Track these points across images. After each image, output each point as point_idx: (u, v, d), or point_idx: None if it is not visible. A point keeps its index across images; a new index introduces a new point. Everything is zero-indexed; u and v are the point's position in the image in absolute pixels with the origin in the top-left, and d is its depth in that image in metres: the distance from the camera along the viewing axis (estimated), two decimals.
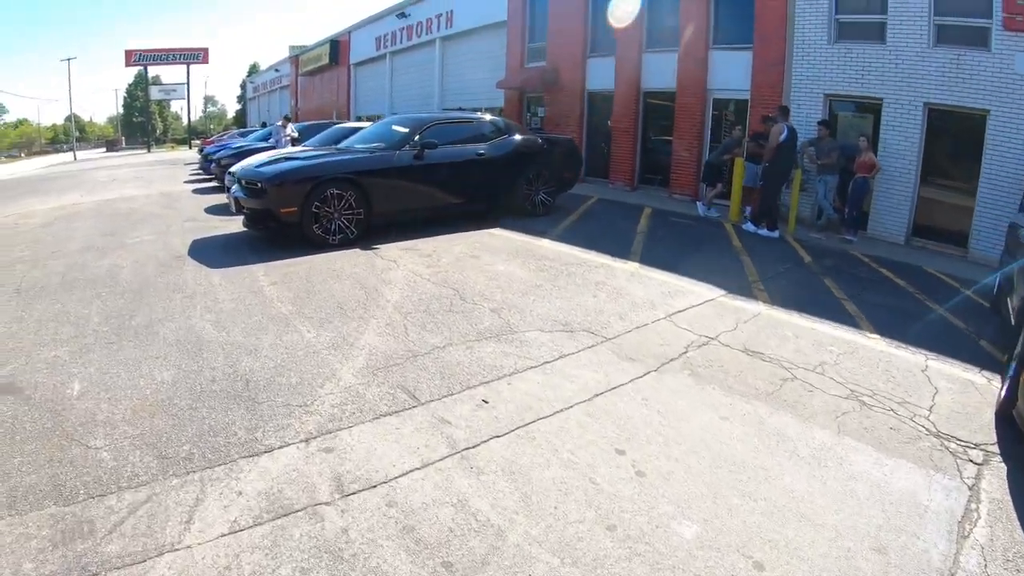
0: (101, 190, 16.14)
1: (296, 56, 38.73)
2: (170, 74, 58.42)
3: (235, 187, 8.26)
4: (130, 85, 73.29)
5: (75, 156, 46.24)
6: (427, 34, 22.89)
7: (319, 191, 7.50)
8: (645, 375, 4.40)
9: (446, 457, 3.33)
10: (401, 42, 24.91)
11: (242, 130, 28.94)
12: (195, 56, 52.05)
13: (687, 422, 3.72)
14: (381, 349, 4.70)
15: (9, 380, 4.11)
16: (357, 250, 7.66)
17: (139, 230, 9.39)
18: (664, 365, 4.56)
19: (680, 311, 5.80)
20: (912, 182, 10.08)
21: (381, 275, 6.65)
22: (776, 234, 9.96)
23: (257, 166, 8.06)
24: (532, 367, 4.52)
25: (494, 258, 7.46)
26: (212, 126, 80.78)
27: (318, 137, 12.84)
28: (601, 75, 15.51)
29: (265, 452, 3.31)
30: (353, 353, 4.61)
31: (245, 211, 7.86)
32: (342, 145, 9.55)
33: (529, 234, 8.85)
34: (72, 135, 53.78)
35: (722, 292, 6.45)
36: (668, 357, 4.70)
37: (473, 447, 3.42)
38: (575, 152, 11.26)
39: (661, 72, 13.92)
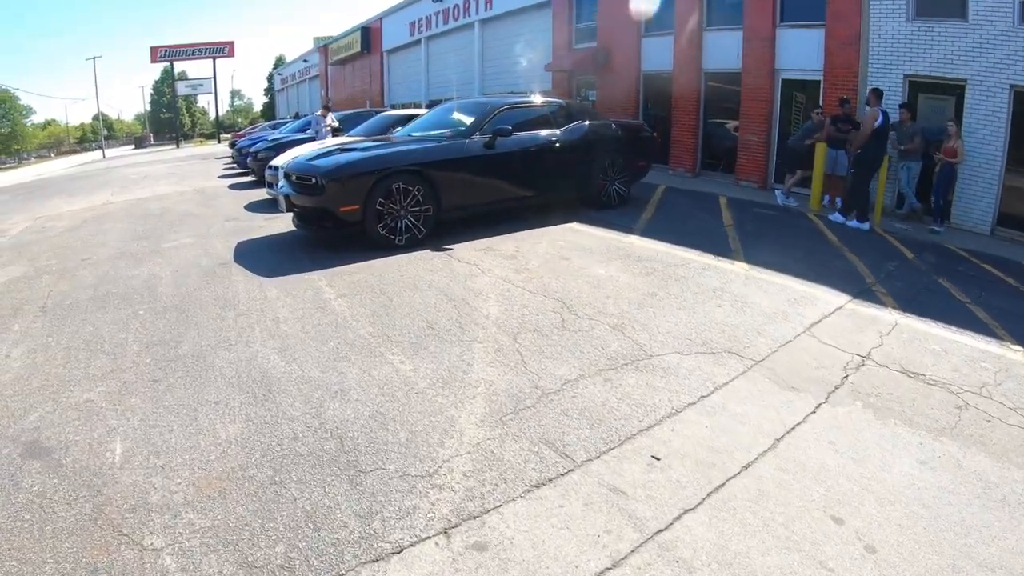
0: (132, 188, 15.38)
1: (325, 45, 37.87)
2: (196, 69, 57.98)
3: (283, 183, 7.32)
4: (156, 82, 73.29)
5: (103, 154, 46.22)
6: (465, 17, 21.80)
7: (383, 186, 6.50)
8: (817, 409, 3.60)
9: (639, 547, 2.42)
10: (437, 26, 23.83)
11: (274, 122, 28.12)
12: (221, 50, 51.49)
13: (888, 471, 3.03)
14: (501, 386, 3.67)
15: (35, 436, 3.18)
16: (428, 252, 6.65)
17: (176, 232, 8.50)
18: (831, 395, 3.79)
19: (816, 322, 4.95)
20: (998, 169, 9.10)
21: (466, 283, 5.63)
22: (867, 226, 9.01)
23: (310, 159, 7.07)
24: (690, 404, 3.56)
25: (587, 259, 6.42)
26: (240, 120, 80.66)
27: (364, 127, 11.86)
28: (658, 55, 14.50)
29: (394, 554, 2.34)
30: (467, 393, 3.59)
31: (296, 209, 6.86)
32: (400, 134, 8.53)
33: (612, 229, 7.81)
34: (100, 133, 53.58)
35: (847, 297, 5.59)
36: (831, 384, 3.92)
37: (666, 528, 2.54)
38: (650, 138, 10.18)
39: (724, 52, 12.96)
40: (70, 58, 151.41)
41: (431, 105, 17.10)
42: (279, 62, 70.81)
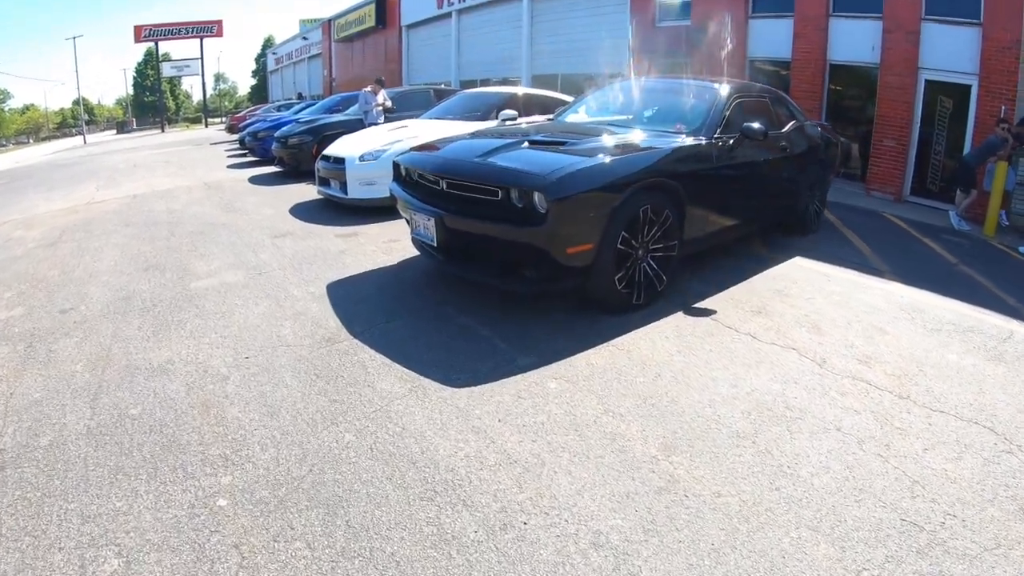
0: (122, 180, 12.38)
1: (329, 21, 34.51)
2: (181, 50, 54.46)
3: (397, 185, 4.54)
4: (139, 64, 69.13)
5: (85, 139, 42.90)
6: None
7: (629, 209, 3.74)
8: None
9: None
10: None
11: (278, 103, 24.95)
12: (209, 29, 47.95)
13: None
14: None
15: None
16: (682, 317, 3.90)
17: (204, 257, 5.66)
18: None
19: None
20: None
21: (825, 395, 2.87)
22: None
23: (482, 154, 4.09)
24: None
25: (901, 328, 3.89)
26: (226, 103, 77.13)
27: (444, 107, 9.00)
28: (769, 39, 12.73)
29: None
30: None
31: (438, 236, 3.97)
32: (561, 120, 5.70)
33: (848, 267, 5.43)
34: (81, 118, 49.90)
35: None
36: None
37: None
38: (840, 145, 7.72)
39: (854, 42, 11.40)
40: (49, 40, 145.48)
41: (466, 87, 14.29)
42: (268, 43, 67.08)
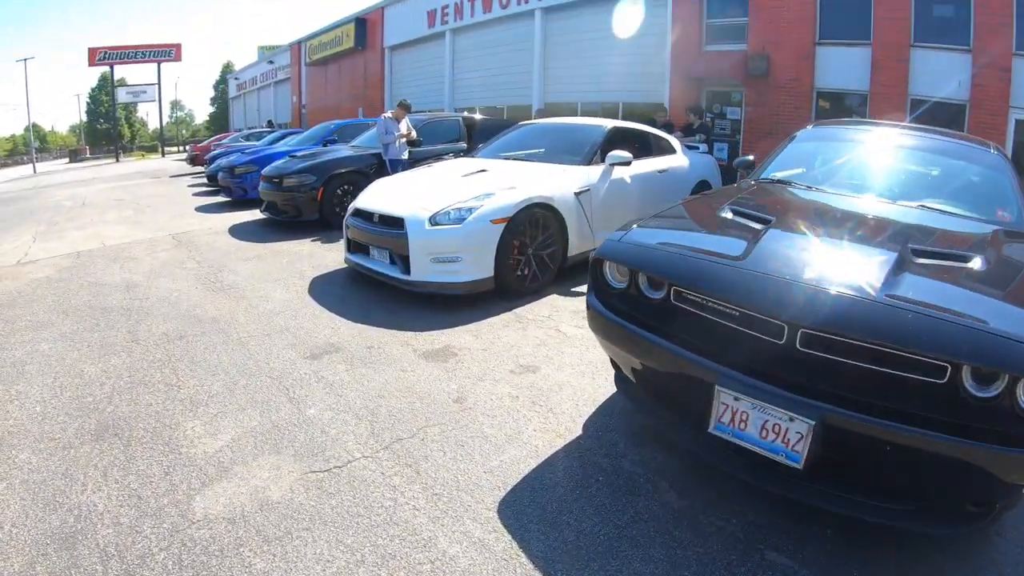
0: (67, 226, 9.80)
1: (299, 43, 32.06)
2: (137, 75, 51.32)
3: (778, 397, 2.40)
4: (93, 89, 65.20)
5: (35, 169, 39.54)
6: (518, 4, 16.75)
7: None
8: None
9: None
10: (472, 15, 18.62)
11: (248, 131, 22.35)
12: (167, 53, 44.97)
13: None
14: None
15: None
16: None
17: (196, 408, 3.29)
18: None
19: None
20: None
21: None
22: None
23: (885, 286, 1.94)
24: None
25: None
26: (183, 132, 74.01)
27: (510, 142, 6.73)
28: (841, 70, 11.40)
29: None
30: None
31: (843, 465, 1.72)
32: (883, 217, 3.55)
33: None
34: (31, 145, 46.28)
35: None
36: None
37: None
38: None
39: (938, 76, 10.32)
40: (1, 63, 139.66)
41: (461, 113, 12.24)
42: (227, 69, 64.22)
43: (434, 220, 4.71)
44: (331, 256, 6.66)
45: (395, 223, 4.83)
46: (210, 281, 5.82)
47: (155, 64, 44.87)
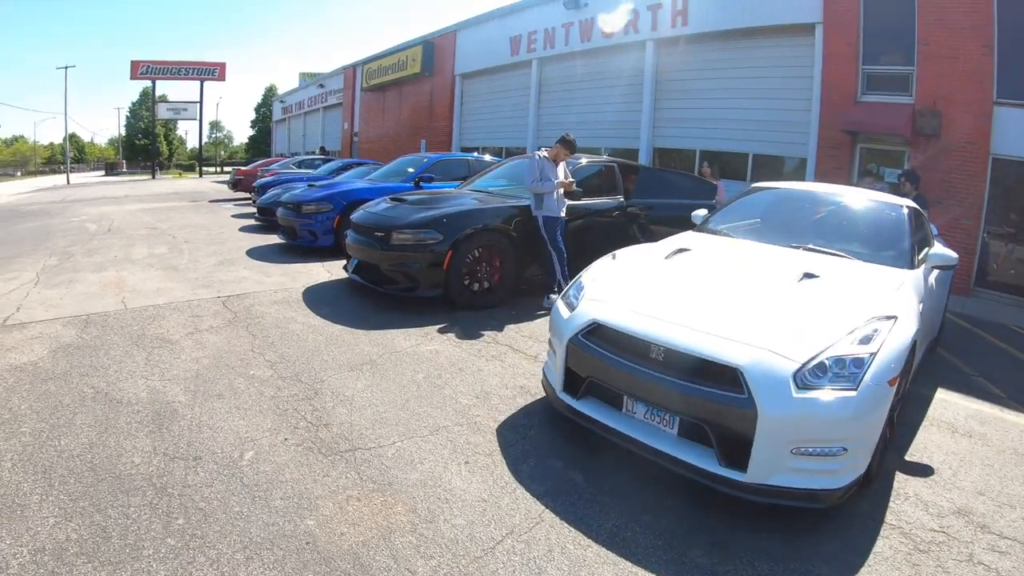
0: (81, 262, 7.59)
1: (353, 66, 30.17)
2: (178, 92, 50.33)
3: None
4: (133, 103, 64.69)
5: (68, 179, 38.35)
6: (628, 34, 14.49)
7: None
8: None
9: None
10: (566, 43, 16.38)
11: (299, 157, 20.16)
12: (211, 71, 44.40)
13: None
14: None
15: None
16: None
17: None
18: None
19: None
20: None
21: None
22: None
23: None
24: None
25: None
26: (221, 152, 73.32)
27: (758, 210, 4.27)
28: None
29: None
30: None
31: None
32: None
33: None
34: (67, 154, 45.09)
35: None
36: None
37: None
38: None
39: None
40: (44, 74, 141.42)
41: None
42: (271, 91, 63.36)
43: (802, 379, 2.26)
44: (494, 370, 4.17)
45: (712, 372, 2.40)
46: (303, 418, 3.32)
47: (198, 82, 43.91)
